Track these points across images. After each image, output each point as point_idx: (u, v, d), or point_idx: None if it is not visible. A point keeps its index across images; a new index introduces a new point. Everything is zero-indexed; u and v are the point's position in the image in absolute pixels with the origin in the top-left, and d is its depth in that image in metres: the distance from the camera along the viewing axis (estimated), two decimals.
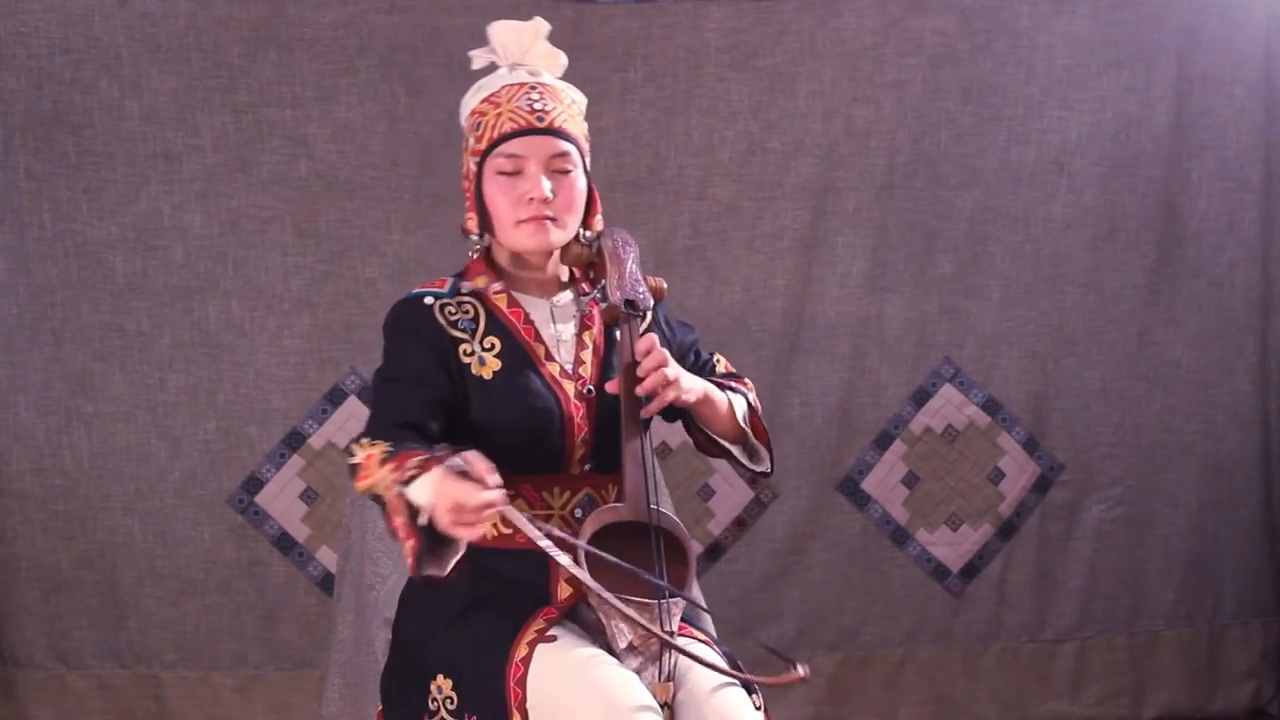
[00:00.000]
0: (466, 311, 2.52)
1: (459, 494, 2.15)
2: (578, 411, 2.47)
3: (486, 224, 2.53)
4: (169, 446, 4.10)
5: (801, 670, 2.33)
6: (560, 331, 2.54)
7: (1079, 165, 4.48)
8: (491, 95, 2.53)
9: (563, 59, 2.59)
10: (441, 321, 2.49)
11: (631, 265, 2.52)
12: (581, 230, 2.55)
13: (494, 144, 2.49)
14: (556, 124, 2.50)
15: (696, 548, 4.18)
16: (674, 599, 2.37)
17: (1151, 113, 4.50)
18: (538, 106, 2.49)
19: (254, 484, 4.14)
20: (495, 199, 2.50)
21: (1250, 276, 4.61)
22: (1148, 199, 4.52)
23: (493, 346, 2.49)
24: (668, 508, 2.54)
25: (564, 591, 2.42)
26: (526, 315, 2.53)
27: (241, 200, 4.11)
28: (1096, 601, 4.55)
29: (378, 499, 2.32)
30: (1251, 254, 4.60)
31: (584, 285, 2.60)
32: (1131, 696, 4.57)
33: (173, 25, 4.05)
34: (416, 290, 2.54)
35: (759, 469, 2.62)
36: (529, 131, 2.48)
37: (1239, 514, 4.65)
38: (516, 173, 2.48)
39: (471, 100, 2.57)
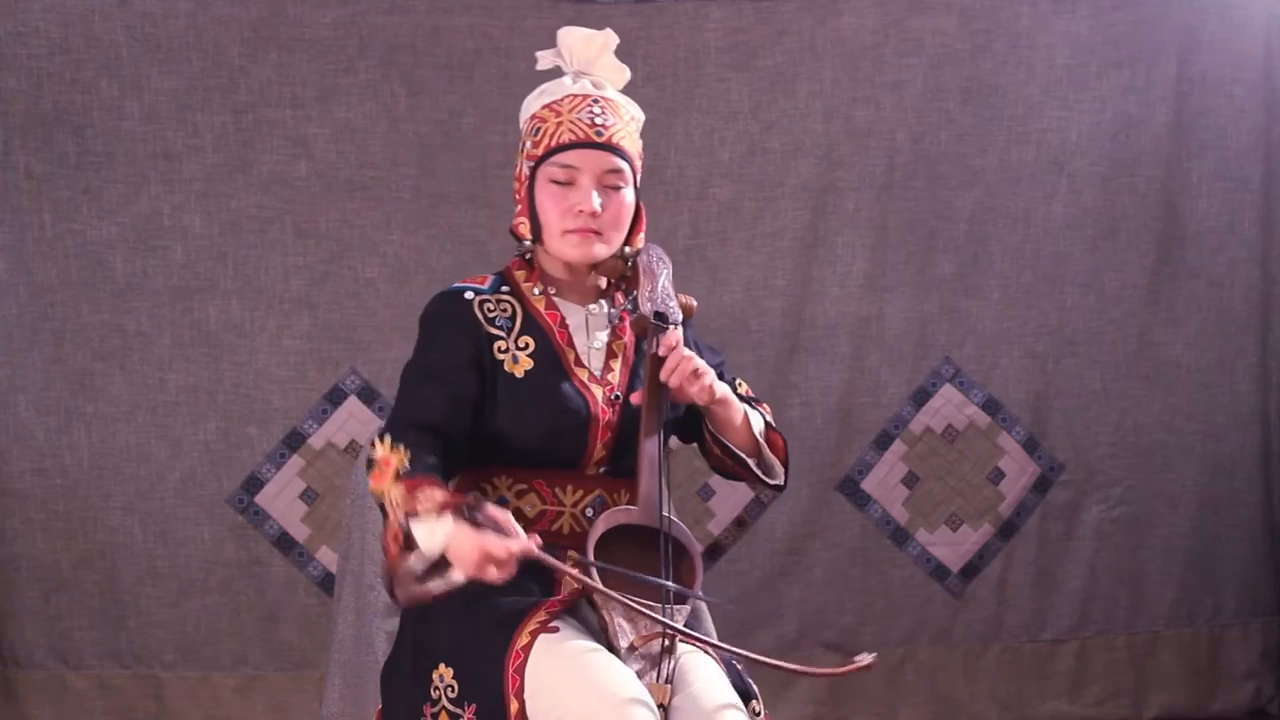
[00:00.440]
0: (505, 310, 2.56)
1: (486, 544, 2.21)
2: (604, 416, 2.51)
3: (535, 228, 2.56)
4: (169, 446, 4.10)
5: (869, 658, 2.36)
6: (593, 339, 2.58)
7: (1079, 165, 4.48)
8: (554, 102, 2.56)
9: (627, 73, 2.62)
10: (479, 317, 2.54)
11: (664, 281, 2.56)
12: (623, 245, 2.58)
13: (550, 152, 2.52)
14: (614, 140, 2.53)
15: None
16: (679, 607, 2.39)
17: (1151, 113, 4.50)
18: (598, 121, 2.52)
19: (254, 484, 4.14)
20: (545, 206, 2.53)
21: (1250, 276, 4.61)
22: (1148, 199, 4.52)
23: (527, 346, 2.53)
24: (672, 513, 2.56)
25: (568, 585, 2.44)
26: (563, 319, 2.57)
27: (241, 200, 4.11)
28: (1096, 602, 4.55)
29: (382, 506, 2.35)
30: (1251, 254, 4.60)
31: (618, 296, 2.63)
32: (1131, 697, 4.57)
33: (173, 25, 4.05)
34: (457, 285, 2.59)
35: (773, 482, 2.65)
36: (586, 145, 2.51)
37: (1239, 514, 4.65)
38: (569, 183, 2.51)
39: (533, 104, 2.59)
